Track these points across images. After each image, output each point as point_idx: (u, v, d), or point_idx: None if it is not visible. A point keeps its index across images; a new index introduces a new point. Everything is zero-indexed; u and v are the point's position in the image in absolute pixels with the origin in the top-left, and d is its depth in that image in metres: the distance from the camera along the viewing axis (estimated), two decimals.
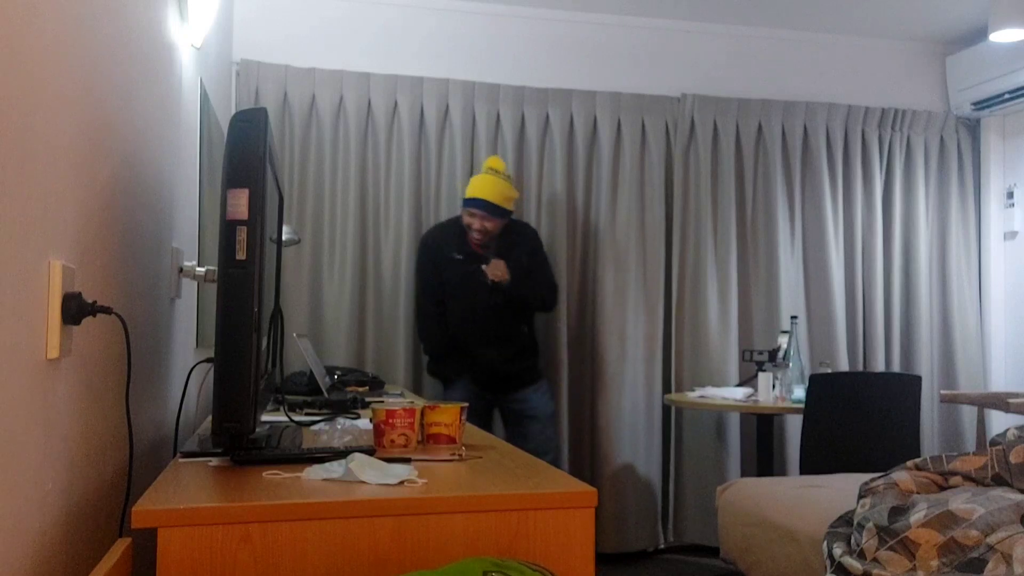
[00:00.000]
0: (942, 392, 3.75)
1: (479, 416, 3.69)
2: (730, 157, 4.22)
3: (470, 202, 3.50)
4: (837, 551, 1.84)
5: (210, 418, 2.26)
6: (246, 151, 1.29)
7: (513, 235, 3.64)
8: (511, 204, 3.57)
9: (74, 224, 1.20)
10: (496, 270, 3.45)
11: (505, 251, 3.58)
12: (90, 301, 1.21)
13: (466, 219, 3.53)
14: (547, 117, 4.07)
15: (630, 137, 4.13)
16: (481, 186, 3.49)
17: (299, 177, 3.81)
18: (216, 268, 1.71)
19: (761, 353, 3.74)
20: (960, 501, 1.70)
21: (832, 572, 1.82)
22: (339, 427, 1.66)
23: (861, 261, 4.37)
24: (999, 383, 4.52)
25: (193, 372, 2.42)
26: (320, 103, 3.82)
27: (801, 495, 2.56)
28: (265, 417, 2.15)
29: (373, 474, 1.26)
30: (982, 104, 4.36)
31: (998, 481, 1.85)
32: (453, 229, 3.62)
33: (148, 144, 1.73)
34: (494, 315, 3.58)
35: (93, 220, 1.30)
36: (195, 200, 2.45)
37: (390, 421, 1.60)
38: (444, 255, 3.62)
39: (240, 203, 1.28)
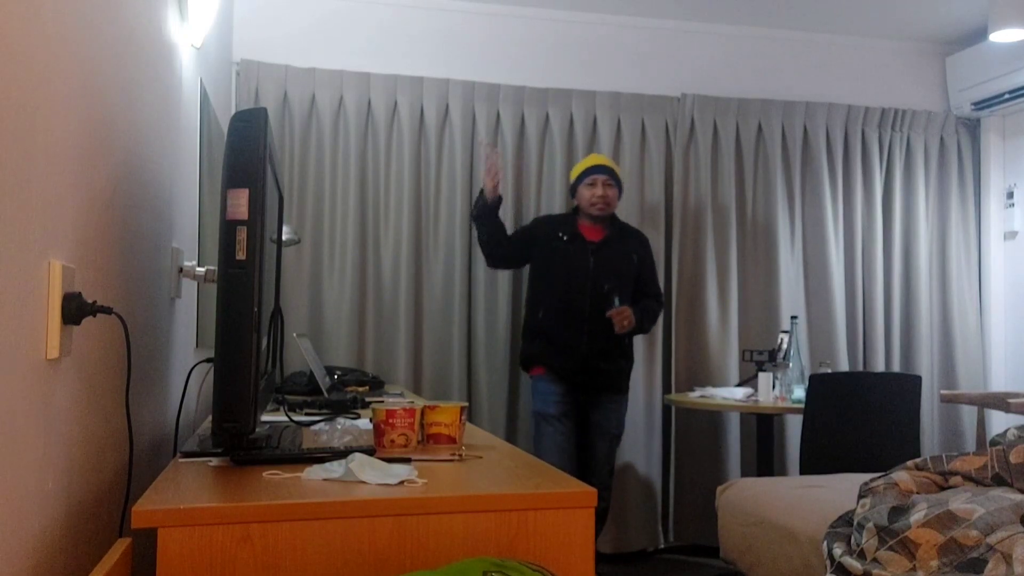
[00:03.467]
0: (942, 392, 3.75)
1: (562, 421, 3.40)
2: (730, 157, 4.22)
3: (593, 169, 3.46)
4: (837, 551, 1.84)
5: (210, 418, 2.26)
6: (246, 151, 1.29)
7: (625, 233, 3.57)
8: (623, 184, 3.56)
9: (74, 224, 1.20)
10: (623, 319, 3.33)
11: (618, 242, 3.50)
12: (90, 301, 1.21)
13: (586, 192, 3.47)
14: (547, 117, 4.07)
15: (630, 137, 4.13)
16: (599, 158, 3.50)
17: (299, 177, 3.81)
18: (216, 268, 1.71)
19: (761, 353, 3.74)
20: (960, 501, 1.70)
21: (832, 572, 1.82)
22: (339, 427, 1.66)
23: (861, 261, 4.37)
24: (999, 383, 4.52)
25: (193, 372, 2.42)
26: (320, 103, 3.82)
27: (801, 495, 2.56)
28: (265, 417, 2.15)
29: (373, 474, 1.26)
30: (982, 104, 4.36)
31: (998, 481, 1.85)
32: (563, 217, 3.58)
33: (148, 144, 1.73)
34: (596, 301, 3.40)
35: (93, 220, 1.30)
36: (195, 200, 2.45)
37: (390, 421, 1.60)
38: (551, 234, 3.51)
39: (240, 203, 1.28)
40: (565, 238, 3.47)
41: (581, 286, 3.41)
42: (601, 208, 3.45)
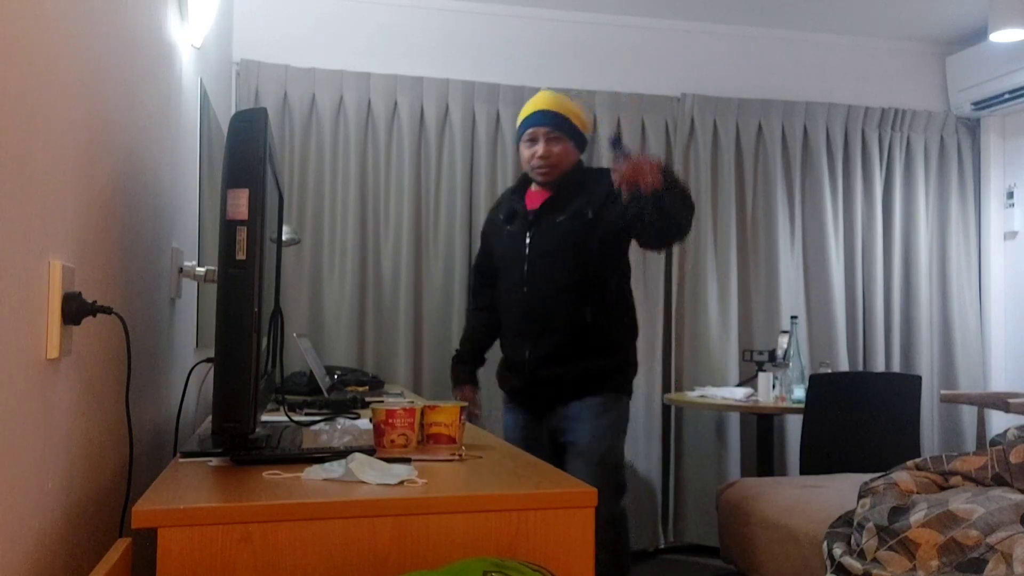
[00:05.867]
0: (942, 392, 3.75)
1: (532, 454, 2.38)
2: (730, 157, 4.22)
3: (528, 121, 2.55)
4: (837, 551, 1.84)
5: (210, 418, 2.26)
6: (246, 151, 1.29)
7: (585, 183, 2.55)
8: (586, 129, 2.60)
9: (74, 224, 1.20)
10: (634, 173, 2.16)
11: (564, 199, 2.54)
12: (90, 301, 1.21)
13: (525, 151, 2.57)
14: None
15: (630, 137, 4.13)
16: (539, 99, 2.57)
17: (299, 177, 3.81)
18: (216, 268, 1.71)
19: (761, 353, 3.74)
20: (960, 501, 1.70)
21: (832, 572, 1.82)
22: (339, 427, 1.66)
23: (861, 261, 4.37)
24: (999, 383, 4.52)
25: (193, 372, 2.42)
26: (320, 103, 3.82)
27: (801, 495, 2.56)
28: (265, 417, 2.15)
29: (373, 474, 1.26)
30: (982, 104, 4.36)
31: (998, 481, 1.85)
32: (511, 189, 2.75)
33: (148, 144, 1.73)
34: (532, 292, 2.52)
35: (93, 220, 1.30)
36: (195, 200, 2.45)
37: (390, 421, 1.60)
38: (495, 220, 2.73)
39: (240, 203, 1.28)
40: (502, 217, 2.68)
41: (518, 275, 2.55)
42: (544, 172, 2.54)
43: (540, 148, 2.52)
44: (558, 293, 2.48)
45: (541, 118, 2.53)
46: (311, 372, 2.85)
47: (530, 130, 2.55)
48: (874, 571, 1.69)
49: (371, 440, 1.67)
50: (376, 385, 3.16)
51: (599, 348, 2.50)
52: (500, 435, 3.15)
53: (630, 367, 2.59)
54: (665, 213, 2.26)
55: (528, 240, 2.54)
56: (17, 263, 0.97)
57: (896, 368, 4.36)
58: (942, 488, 1.94)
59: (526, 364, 2.53)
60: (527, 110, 2.58)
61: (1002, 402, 3.48)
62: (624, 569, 2.53)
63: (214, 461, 1.43)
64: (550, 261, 2.50)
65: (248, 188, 1.28)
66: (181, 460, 1.44)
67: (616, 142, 2.30)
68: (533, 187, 2.65)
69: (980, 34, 4.47)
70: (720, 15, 4.24)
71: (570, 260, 2.48)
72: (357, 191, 3.85)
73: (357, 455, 1.32)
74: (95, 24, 1.29)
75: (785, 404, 3.39)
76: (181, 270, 2.12)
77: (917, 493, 1.90)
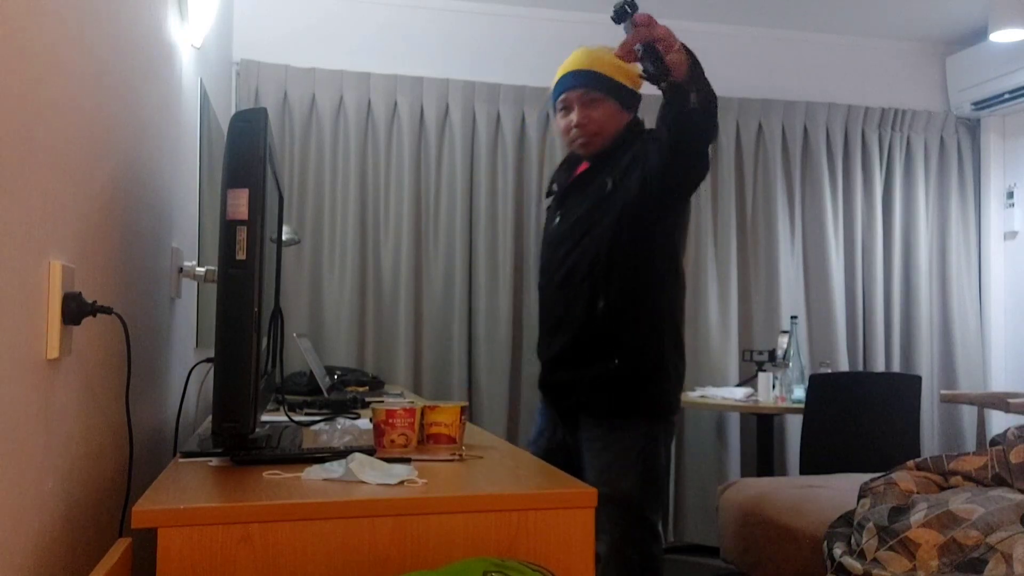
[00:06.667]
0: (942, 392, 3.75)
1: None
2: (730, 157, 4.22)
3: (558, 87, 2.16)
4: (837, 551, 1.84)
5: (210, 418, 2.26)
6: (246, 151, 1.29)
7: (616, 149, 2.13)
8: (634, 84, 2.15)
9: (74, 224, 1.20)
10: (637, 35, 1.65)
11: (595, 171, 2.15)
12: (90, 301, 1.21)
13: (560, 121, 2.19)
14: (547, 117, 4.07)
15: None
16: (571, 59, 2.16)
17: (299, 177, 3.81)
18: (216, 268, 1.71)
19: (761, 353, 3.74)
20: (960, 501, 1.70)
21: (832, 572, 1.82)
22: (339, 427, 1.66)
23: (861, 261, 4.37)
24: (999, 383, 4.52)
25: (193, 372, 2.42)
26: (320, 103, 3.82)
27: (801, 495, 2.56)
28: (265, 417, 2.15)
29: (373, 474, 1.26)
30: (982, 104, 4.36)
31: (998, 481, 1.85)
32: (561, 163, 2.34)
33: (148, 144, 1.73)
34: (549, 282, 2.18)
35: (93, 220, 1.30)
36: (195, 200, 2.45)
37: (390, 421, 1.60)
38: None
39: (240, 203, 1.28)
40: (550, 191, 2.32)
41: (543, 264, 2.24)
42: (585, 142, 2.14)
43: (575, 116, 2.12)
44: (571, 283, 2.09)
45: (572, 80, 2.12)
46: (311, 372, 2.85)
47: (562, 96, 2.15)
48: (874, 571, 1.70)
49: (371, 440, 1.67)
50: (376, 385, 3.16)
51: (612, 347, 2.04)
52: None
53: (655, 375, 2.05)
54: (696, 107, 1.76)
55: (557, 222, 2.19)
56: (17, 263, 0.97)
57: (896, 368, 4.36)
58: (942, 488, 1.94)
59: (549, 362, 2.17)
60: (557, 75, 2.19)
61: (1002, 402, 3.48)
62: None
63: (214, 461, 1.43)
64: (567, 246, 2.12)
65: (248, 188, 1.28)
66: (181, 460, 1.44)
67: (623, 11, 1.66)
68: (584, 161, 2.24)
69: (980, 34, 4.47)
70: (720, 15, 4.24)
71: (584, 243, 2.08)
72: (357, 191, 3.85)
73: (357, 455, 1.32)
74: (95, 24, 1.29)
75: (785, 404, 3.39)
76: (181, 270, 2.12)
77: (917, 493, 1.90)
